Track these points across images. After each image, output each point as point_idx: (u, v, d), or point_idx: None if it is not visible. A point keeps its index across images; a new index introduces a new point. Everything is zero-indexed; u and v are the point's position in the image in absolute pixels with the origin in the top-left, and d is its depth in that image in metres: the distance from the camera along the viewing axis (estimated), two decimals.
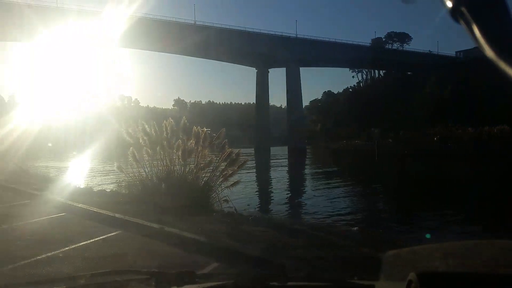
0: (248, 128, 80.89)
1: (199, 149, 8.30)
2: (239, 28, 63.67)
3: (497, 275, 0.77)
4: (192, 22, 59.46)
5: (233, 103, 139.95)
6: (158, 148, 8.34)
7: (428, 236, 8.82)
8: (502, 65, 0.67)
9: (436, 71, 60.80)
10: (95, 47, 64.01)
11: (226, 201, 8.19)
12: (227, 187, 8.32)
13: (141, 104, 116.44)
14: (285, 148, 62.96)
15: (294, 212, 14.25)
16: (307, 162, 47.57)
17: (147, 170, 8.46)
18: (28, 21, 46.44)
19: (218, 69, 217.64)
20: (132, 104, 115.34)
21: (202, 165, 8.28)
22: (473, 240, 0.88)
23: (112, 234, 5.85)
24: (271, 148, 65.90)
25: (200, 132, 8.35)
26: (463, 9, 0.71)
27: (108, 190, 10.17)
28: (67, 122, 58.63)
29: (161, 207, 6.83)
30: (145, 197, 7.78)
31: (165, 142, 8.33)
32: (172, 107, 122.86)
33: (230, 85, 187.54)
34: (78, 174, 22.61)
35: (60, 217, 7.14)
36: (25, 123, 34.06)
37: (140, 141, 8.35)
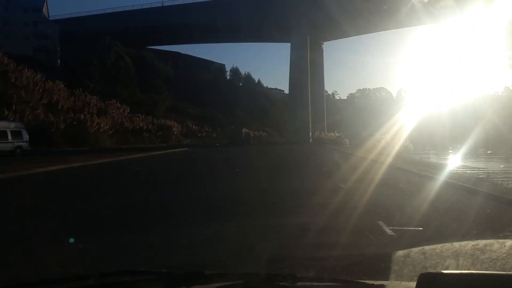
0: None
1: None
2: None
3: (504, 275, 0.76)
4: None
5: None
6: None
7: None
8: None
9: None
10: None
11: None
12: None
13: None
14: None
15: None
16: None
17: None
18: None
19: None
20: None
21: None
22: (483, 240, 0.87)
23: None
24: None
25: None
26: None
27: None
28: (441, 114, 55.93)
29: None
30: None
31: None
32: None
33: None
34: None
35: None
36: (408, 117, 34.06)
37: None
